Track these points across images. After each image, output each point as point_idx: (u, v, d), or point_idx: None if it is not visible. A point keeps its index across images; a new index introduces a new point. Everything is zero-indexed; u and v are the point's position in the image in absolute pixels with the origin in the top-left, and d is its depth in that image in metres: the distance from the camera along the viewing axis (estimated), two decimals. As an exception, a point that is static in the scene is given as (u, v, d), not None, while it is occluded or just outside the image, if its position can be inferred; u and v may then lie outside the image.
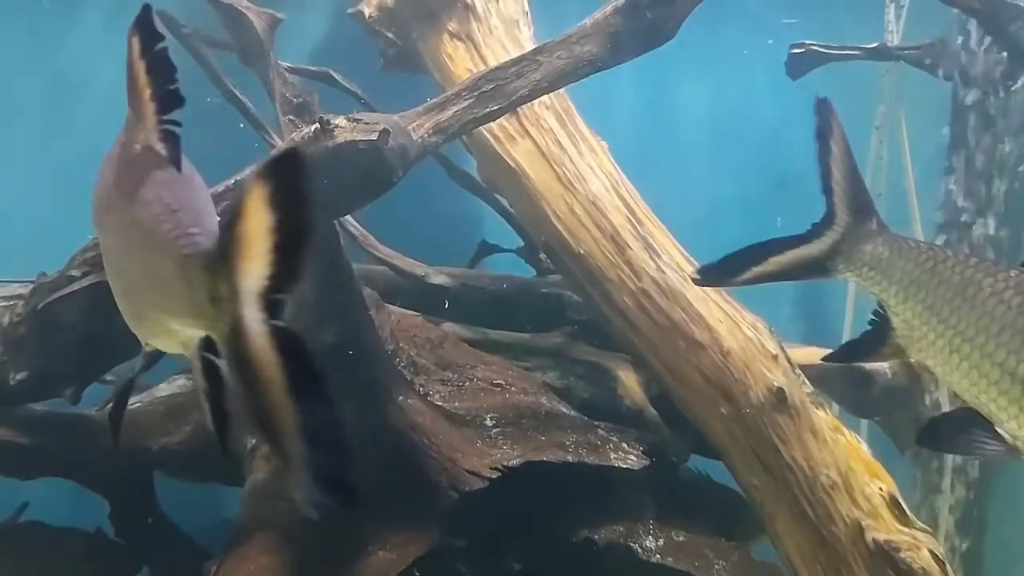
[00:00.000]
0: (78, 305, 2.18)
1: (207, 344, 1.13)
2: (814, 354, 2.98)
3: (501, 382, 2.71)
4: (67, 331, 2.22)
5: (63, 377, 2.30)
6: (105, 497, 2.60)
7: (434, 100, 2.22)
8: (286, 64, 2.63)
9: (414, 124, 2.18)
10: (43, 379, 2.28)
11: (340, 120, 2.00)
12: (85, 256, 2.13)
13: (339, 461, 1.07)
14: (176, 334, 1.19)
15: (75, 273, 2.12)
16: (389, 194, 2.23)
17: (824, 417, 2.63)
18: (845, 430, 2.66)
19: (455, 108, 2.21)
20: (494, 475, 2.27)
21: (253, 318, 1.05)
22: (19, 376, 2.25)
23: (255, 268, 1.07)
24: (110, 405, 2.63)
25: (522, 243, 3.17)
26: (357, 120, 1.99)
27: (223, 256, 1.07)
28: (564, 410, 2.69)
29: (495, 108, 2.23)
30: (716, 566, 2.45)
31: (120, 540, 2.62)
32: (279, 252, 1.10)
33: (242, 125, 3.24)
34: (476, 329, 2.93)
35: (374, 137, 1.94)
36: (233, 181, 2.11)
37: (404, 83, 3.04)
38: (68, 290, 2.13)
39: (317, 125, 2.00)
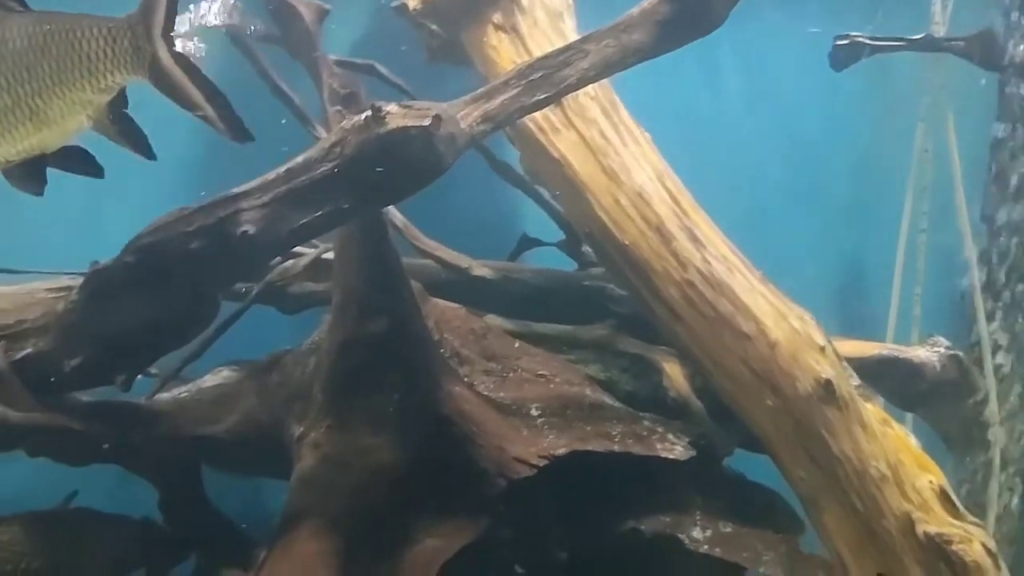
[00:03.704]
0: (131, 292, 2.21)
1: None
2: (859, 347, 2.98)
3: (545, 373, 2.71)
4: (120, 318, 2.26)
5: (116, 364, 2.33)
6: (154, 484, 2.64)
7: (482, 89, 2.23)
8: (332, 57, 2.66)
9: (462, 113, 2.18)
10: (96, 366, 2.30)
11: (391, 107, 2.01)
12: (140, 242, 2.16)
13: (230, 112, 1.63)
14: (86, 108, 1.62)
15: (130, 259, 2.15)
16: (427, 188, 2.26)
17: (872, 409, 2.60)
18: (893, 423, 2.63)
19: (503, 97, 2.21)
20: (542, 463, 2.27)
21: (164, 52, 1.59)
22: (73, 363, 2.28)
23: (159, 20, 1.59)
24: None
25: (563, 237, 3.18)
26: (408, 106, 2.00)
27: (144, 16, 1.59)
28: (608, 401, 2.69)
29: (543, 97, 2.23)
30: (764, 557, 2.42)
31: (169, 527, 2.65)
32: (168, 7, 1.62)
33: (284, 121, 3.29)
34: (519, 321, 2.93)
35: (426, 123, 1.95)
36: (285, 168, 2.15)
37: (445, 77, 3.07)
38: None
39: (368, 112, 2.02)
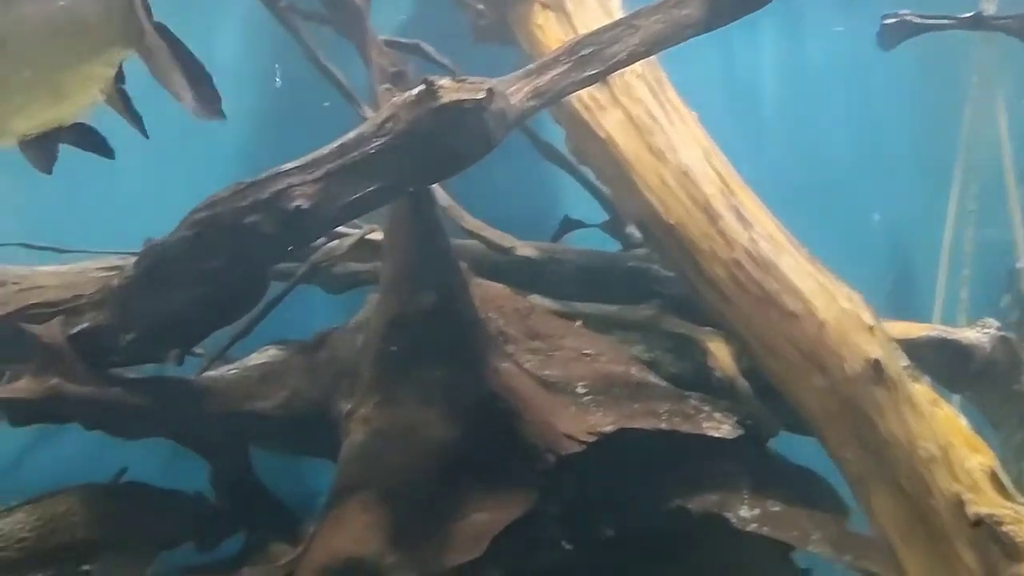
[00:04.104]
0: (186, 266, 2.24)
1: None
2: (907, 328, 2.95)
3: (591, 352, 2.71)
4: (175, 293, 2.29)
5: (169, 339, 2.37)
6: (205, 459, 2.67)
7: (532, 65, 2.23)
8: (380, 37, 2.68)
9: (512, 88, 2.19)
10: (150, 341, 2.34)
11: (445, 81, 2.02)
12: (195, 217, 2.19)
13: (209, 88, 1.72)
14: (97, 81, 1.71)
15: (185, 234, 2.18)
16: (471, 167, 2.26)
17: (921, 390, 2.57)
18: (943, 403, 2.60)
19: (553, 73, 2.22)
20: (591, 439, 2.28)
21: (148, 25, 1.67)
22: (128, 337, 2.32)
23: None
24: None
25: (607, 217, 3.18)
26: (462, 80, 2.01)
27: None
28: (654, 380, 2.69)
29: (593, 73, 2.23)
30: (813, 536, 2.41)
31: (219, 503, 2.69)
32: None
33: (327, 104, 3.31)
34: (563, 301, 2.93)
35: (481, 96, 1.96)
36: (338, 144, 2.16)
37: (490, 58, 3.07)
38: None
39: (422, 86, 2.03)
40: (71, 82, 1.68)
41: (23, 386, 2.34)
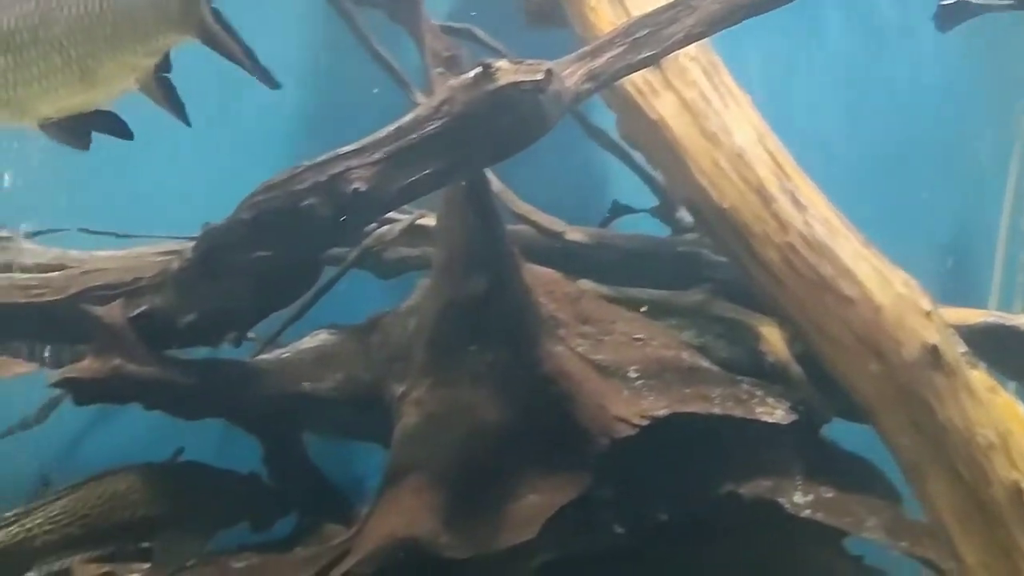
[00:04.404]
0: (244, 249, 2.27)
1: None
2: (963, 315, 2.91)
3: (642, 336, 2.70)
4: (232, 276, 2.33)
5: (228, 320, 2.41)
6: (259, 440, 2.71)
7: (587, 47, 2.23)
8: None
9: (567, 71, 2.19)
10: (210, 322, 2.38)
11: (502, 63, 2.02)
12: (254, 199, 2.22)
13: (258, 63, 1.81)
14: (135, 71, 1.74)
15: (245, 216, 2.21)
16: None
17: (979, 376, 2.52)
18: (1001, 390, 2.56)
19: (608, 55, 2.21)
20: (644, 423, 2.28)
21: (207, 13, 1.73)
22: (187, 319, 2.37)
23: None
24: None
25: (656, 203, 3.17)
26: (519, 62, 2.01)
27: None
28: (706, 365, 2.68)
29: (649, 55, 2.22)
30: (868, 523, 2.40)
31: (272, 483, 2.73)
32: None
33: (376, 91, 3.33)
34: (612, 286, 2.93)
35: (540, 77, 1.96)
36: (395, 127, 2.18)
37: (541, 44, 3.07)
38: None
39: (479, 68, 2.03)
40: (108, 71, 1.70)
41: (86, 366, 2.39)
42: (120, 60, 1.69)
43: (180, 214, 3.07)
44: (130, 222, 3.06)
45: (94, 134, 1.80)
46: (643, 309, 2.76)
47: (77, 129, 1.74)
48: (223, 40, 1.75)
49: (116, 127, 1.78)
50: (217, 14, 1.75)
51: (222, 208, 2.53)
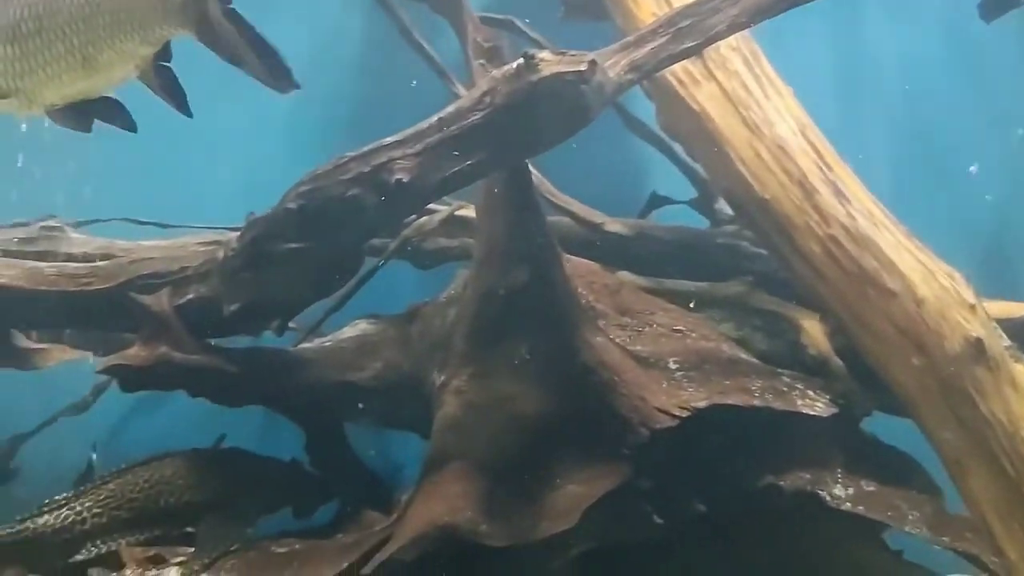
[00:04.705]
0: (290, 239, 2.30)
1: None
2: (1007, 308, 2.87)
3: (681, 328, 2.70)
4: (277, 266, 2.35)
5: (272, 309, 2.44)
6: (301, 427, 2.75)
7: (630, 37, 2.22)
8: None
9: (609, 62, 2.19)
10: (255, 310, 2.42)
11: (545, 54, 2.03)
12: (300, 189, 2.25)
13: (280, 63, 1.75)
14: (134, 59, 1.75)
15: (292, 206, 2.24)
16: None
17: (1023, 370, 2.52)
18: (1047, 385, 2.53)
19: (651, 45, 2.21)
20: (684, 414, 2.28)
21: (215, 9, 1.71)
22: (232, 307, 2.40)
23: None
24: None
25: (695, 194, 3.15)
26: (562, 53, 2.01)
27: None
28: (746, 357, 2.67)
29: (691, 45, 2.21)
30: (910, 517, 2.38)
31: (314, 471, 2.76)
32: None
33: (414, 83, 3.35)
34: (651, 278, 2.92)
35: (583, 68, 1.96)
36: (437, 118, 2.19)
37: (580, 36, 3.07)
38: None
39: (522, 59, 2.04)
40: (105, 58, 1.73)
41: (134, 353, 2.44)
42: (120, 48, 1.73)
43: (221, 205, 3.13)
44: (173, 213, 3.12)
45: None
46: (692, 304, 2.75)
47: (81, 116, 1.78)
48: (222, 39, 1.71)
49: (119, 116, 1.81)
50: (232, 13, 1.73)
51: (260, 200, 2.59)
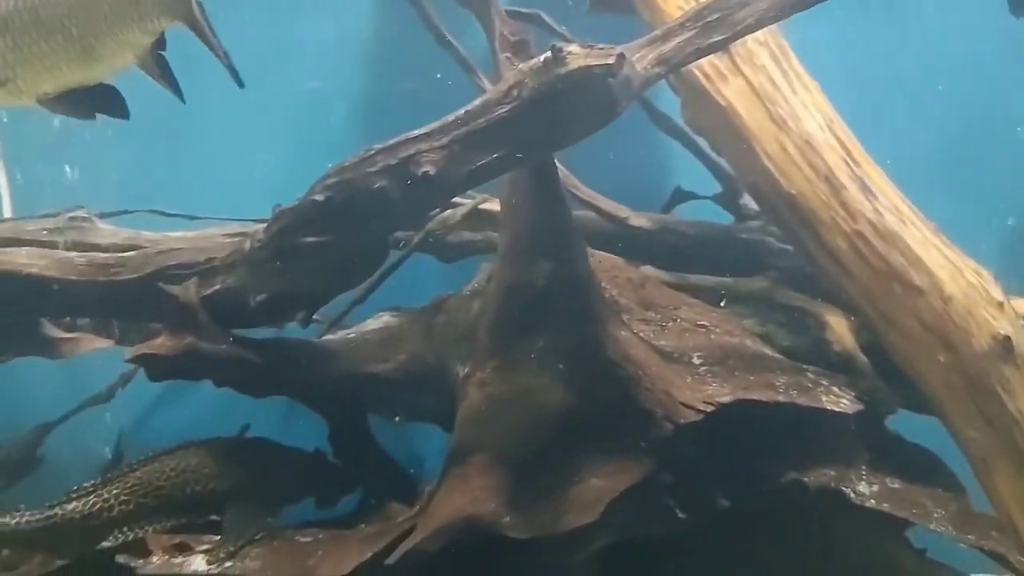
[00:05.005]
0: (316, 230, 2.31)
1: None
2: (1032, 306, 2.84)
3: (705, 323, 2.69)
4: (303, 257, 2.37)
5: (298, 300, 2.46)
6: (325, 418, 2.77)
7: (657, 31, 2.22)
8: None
9: (637, 55, 2.19)
10: (280, 301, 2.43)
11: (573, 47, 2.03)
12: (327, 181, 2.26)
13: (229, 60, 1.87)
14: (134, 48, 1.81)
15: (319, 198, 2.25)
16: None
17: (1052, 369, 2.50)
18: (1075, 384, 2.51)
19: (678, 39, 2.20)
20: (709, 409, 2.27)
21: (195, 2, 1.82)
22: (259, 298, 2.42)
23: None
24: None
25: (719, 189, 3.14)
26: (591, 46, 2.01)
27: None
28: (770, 353, 2.66)
29: (719, 39, 2.21)
30: (935, 515, 2.36)
31: (337, 461, 2.78)
32: None
33: (439, 75, 3.35)
34: (675, 273, 2.92)
35: (611, 61, 1.96)
36: (464, 111, 2.20)
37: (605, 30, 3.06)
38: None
39: (549, 53, 2.04)
40: (106, 48, 1.77)
41: (161, 343, 2.46)
42: (119, 38, 1.76)
43: (245, 198, 3.15)
44: (198, 205, 3.15)
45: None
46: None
47: (77, 104, 1.80)
48: (206, 30, 1.83)
49: (114, 104, 1.84)
50: (201, 6, 1.84)
51: (284, 192, 2.61)
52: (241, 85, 1.87)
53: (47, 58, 1.71)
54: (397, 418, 2.73)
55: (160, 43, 1.84)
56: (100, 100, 1.81)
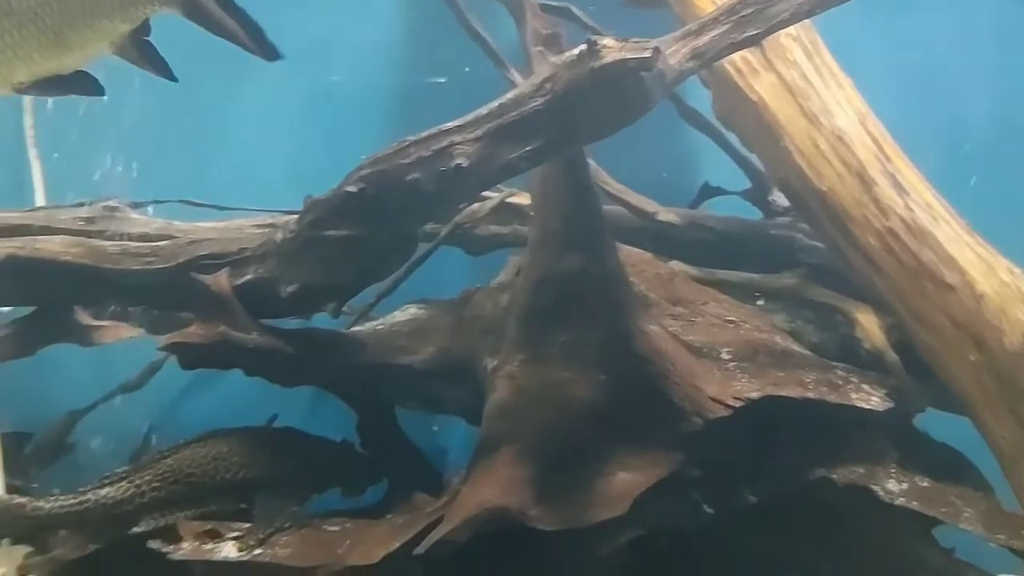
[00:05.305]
0: (348, 222, 2.33)
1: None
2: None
3: (734, 319, 2.69)
4: (334, 248, 2.38)
5: (329, 291, 2.47)
6: (353, 408, 2.78)
7: (691, 24, 2.21)
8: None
9: (671, 49, 2.18)
10: (311, 292, 2.45)
11: (608, 40, 2.02)
12: (361, 172, 2.27)
13: (262, 35, 1.79)
14: (111, 36, 1.76)
15: (351, 189, 2.26)
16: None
17: (1085, 369, 2.47)
18: (1109, 383, 2.49)
19: (713, 33, 2.20)
20: (738, 404, 2.27)
21: None
22: (290, 289, 2.43)
23: None
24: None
25: (747, 185, 3.13)
26: (626, 39, 2.01)
27: None
28: (799, 349, 2.65)
29: (754, 33, 2.19)
30: (964, 513, 2.35)
31: (365, 451, 2.80)
32: None
33: (467, 69, 3.36)
34: (703, 268, 2.91)
35: (647, 54, 1.96)
36: (497, 104, 2.21)
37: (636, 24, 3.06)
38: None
39: (584, 46, 2.04)
40: (83, 37, 1.74)
41: (193, 331, 2.49)
42: (95, 27, 1.73)
43: (276, 189, 3.18)
44: (228, 196, 3.17)
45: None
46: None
47: (51, 90, 1.79)
48: (208, 14, 1.75)
49: (88, 86, 1.81)
50: None
51: (314, 184, 2.62)
52: (275, 58, 1.79)
53: (20, 48, 1.70)
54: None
55: (143, 29, 1.80)
56: (72, 82, 1.80)
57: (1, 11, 1.67)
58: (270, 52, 1.80)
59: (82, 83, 1.81)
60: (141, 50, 1.82)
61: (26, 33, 1.70)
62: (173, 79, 1.86)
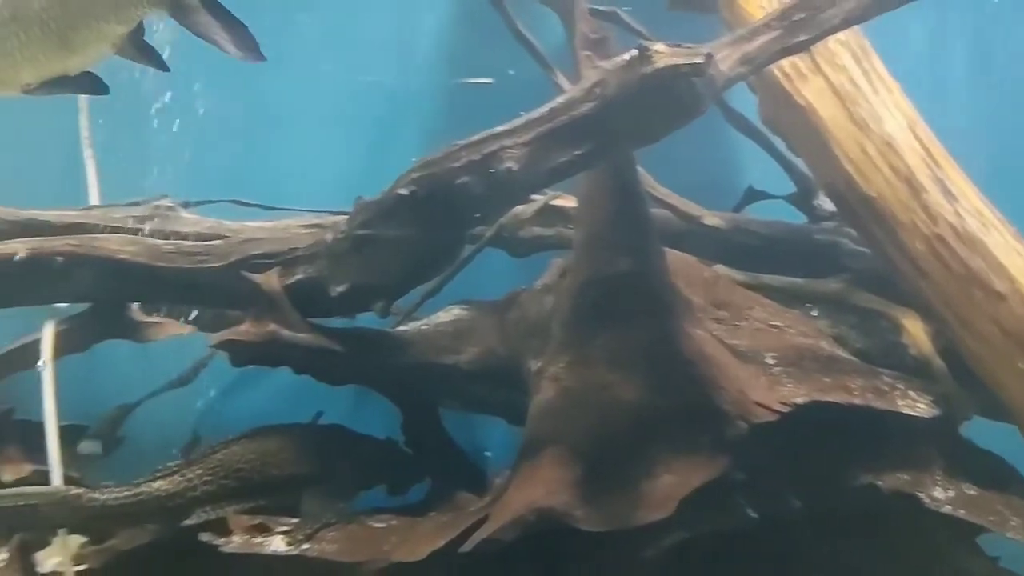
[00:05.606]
0: (398, 224, 2.36)
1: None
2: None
3: (779, 324, 2.69)
4: (384, 249, 2.42)
5: (378, 291, 2.50)
6: (399, 407, 2.82)
7: (742, 30, 2.22)
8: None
9: (721, 54, 2.19)
10: (360, 292, 2.48)
11: (659, 46, 2.04)
12: (412, 175, 2.31)
13: (248, 37, 1.80)
14: (111, 38, 1.80)
15: (403, 191, 2.30)
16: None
17: None
18: None
19: (763, 38, 2.21)
20: (784, 409, 2.27)
21: None
22: (339, 289, 2.48)
23: None
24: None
25: (790, 189, 3.13)
26: (678, 45, 2.02)
27: None
28: (844, 355, 2.64)
29: (805, 38, 2.20)
30: (1012, 522, 2.33)
31: (408, 450, 2.83)
32: None
33: (512, 72, 3.37)
34: (747, 272, 2.91)
35: (699, 60, 1.97)
36: (548, 108, 2.22)
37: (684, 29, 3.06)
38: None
39: (636, 51, 2.05)
40: (84, 38, 1.79)
41: (245, 330, 2.53)
42: (96, 29, 1.79)
43: (320, 190, 3.22)
44: (272, 198, 3.22)
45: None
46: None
47: (55, 86, 1.84)
48: (194, 16, 1.79)
49: (92, 85, 1.87)
50: None
51: (361, 185, 2.65)
52: (255, 60, 1.80)
53: (27, 50, 1.76)
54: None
55: (139, 30, 1.86)
56: (77, 81, 1.86)
57: (6, 16, 1.74)
58: (253, 54, 1.83)
59: (86, 82, 1.87)
60: (139, 49, 1.88)
61: (31, 36, 1.77)
62: (166, 69, 1.92)
